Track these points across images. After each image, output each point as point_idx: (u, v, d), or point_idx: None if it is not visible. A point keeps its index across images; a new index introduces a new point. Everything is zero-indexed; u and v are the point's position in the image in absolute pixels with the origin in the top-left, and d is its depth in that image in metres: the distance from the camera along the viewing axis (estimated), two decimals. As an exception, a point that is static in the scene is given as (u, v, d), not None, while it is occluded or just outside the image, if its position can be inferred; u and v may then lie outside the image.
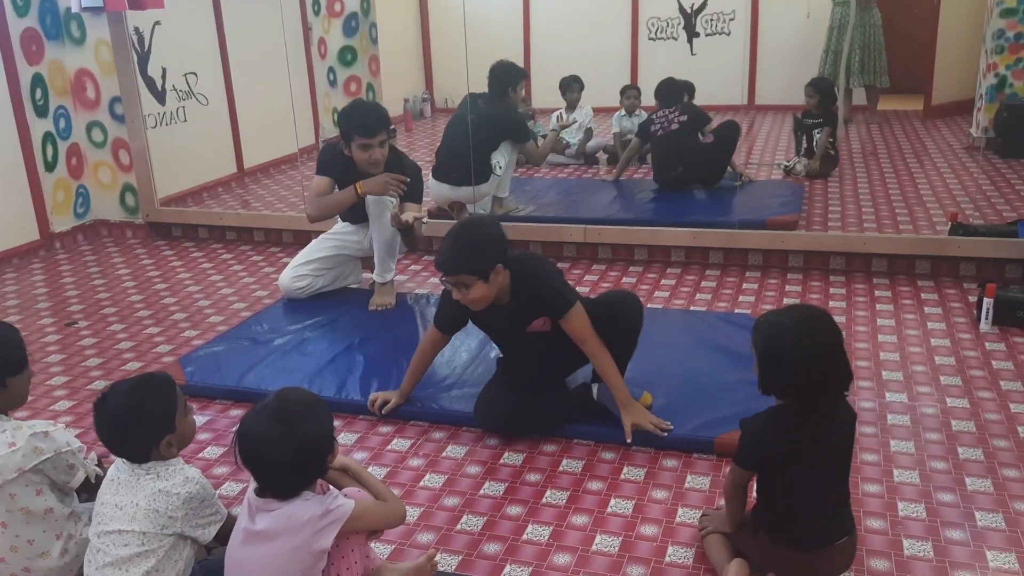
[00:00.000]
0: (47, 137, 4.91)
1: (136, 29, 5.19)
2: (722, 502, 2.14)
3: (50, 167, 4.95)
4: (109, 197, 5.24)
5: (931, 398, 2.83)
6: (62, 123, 5.02)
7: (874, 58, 7.06)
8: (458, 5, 7.54)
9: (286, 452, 1.72)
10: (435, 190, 4.82)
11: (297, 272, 3.83)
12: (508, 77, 4.85)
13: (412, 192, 3.67)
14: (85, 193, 5.22)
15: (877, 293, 3.75)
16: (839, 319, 3.48)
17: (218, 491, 2.48)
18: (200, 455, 2.70)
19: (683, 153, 5.16)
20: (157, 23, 5.40)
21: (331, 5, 7.01)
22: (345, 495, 1.88)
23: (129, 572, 1.81)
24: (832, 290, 3.81)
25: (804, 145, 5.70)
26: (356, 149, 3.53)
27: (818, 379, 1.85)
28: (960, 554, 2.08)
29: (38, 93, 4.83)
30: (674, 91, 5.50)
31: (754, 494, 2.05)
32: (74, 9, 4.70)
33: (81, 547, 1.99)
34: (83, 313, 3.95)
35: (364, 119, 3.53)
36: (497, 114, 4.79)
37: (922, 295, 3.71)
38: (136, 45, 5.19)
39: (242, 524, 1.80)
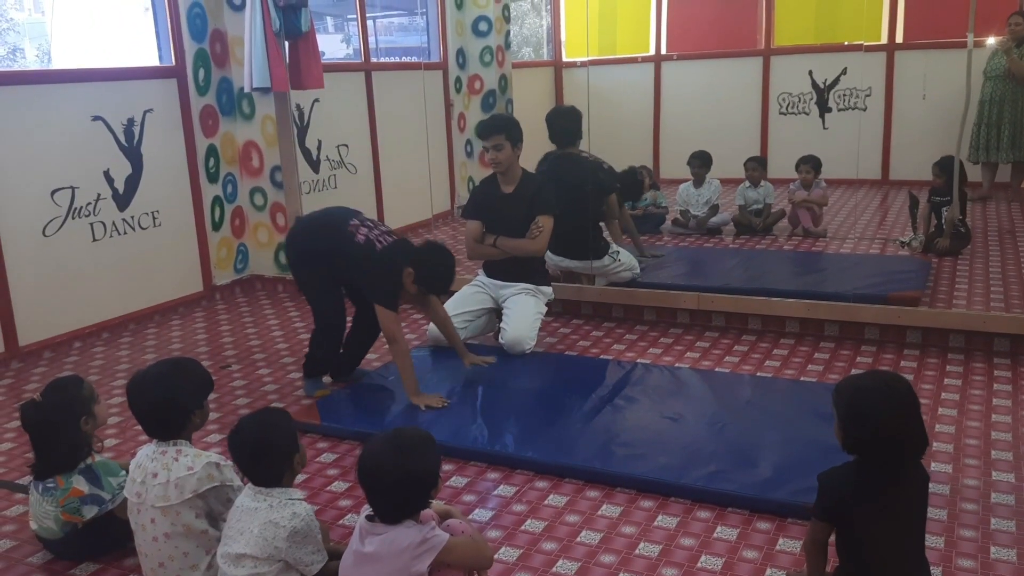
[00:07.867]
0: (216, 200, 5.52)
1: (297, 106, 5.79)
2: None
3: (216, 227, 5.55)
4: (265, 255, 5.80)
5: (1041, 480, 2.79)
6: (229, 188, 5.64)
7: None
8: (591, 81, 7.92)
9: (393, 477, 1.97)
10: (552, 261, 4.81)
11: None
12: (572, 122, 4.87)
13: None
14: (244, 251, 5.80)
15: (996, 373, 3.68)
16: (952, 397, 3.46)
17: (340, 521, 2.76)
18: (328, 488, 3.00)
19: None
20: (316, 100, 6.01)
21: (472, 83, 7.51)
22: (447, 526, 2.11)
23: None
24: (949, 367, 3.77)
25: (934, 223, 5.63)
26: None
27: (897, 438, 1.95)
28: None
29: (211, 162, 5.46)
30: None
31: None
32: (247, 89, 5.31)
33: (220, 566, 2.30)
34: (236, 357, 4.41)
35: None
36: (585, 171, 4.74)
37: (1046, 377, 3.62)
38: (296, 120, 5.78)
39: (353, 546, 2.05)
